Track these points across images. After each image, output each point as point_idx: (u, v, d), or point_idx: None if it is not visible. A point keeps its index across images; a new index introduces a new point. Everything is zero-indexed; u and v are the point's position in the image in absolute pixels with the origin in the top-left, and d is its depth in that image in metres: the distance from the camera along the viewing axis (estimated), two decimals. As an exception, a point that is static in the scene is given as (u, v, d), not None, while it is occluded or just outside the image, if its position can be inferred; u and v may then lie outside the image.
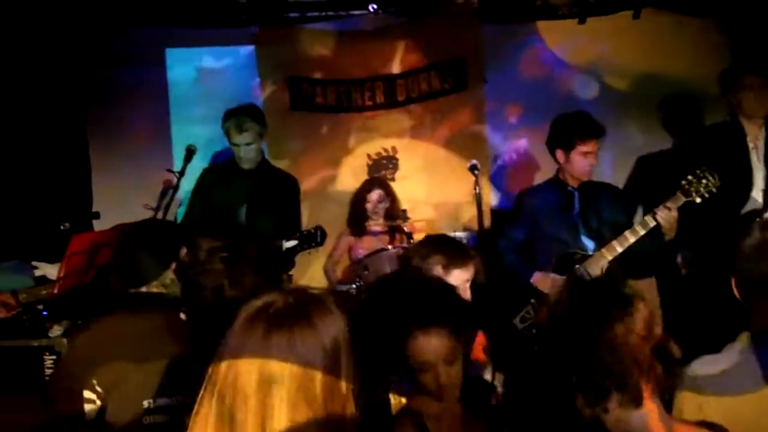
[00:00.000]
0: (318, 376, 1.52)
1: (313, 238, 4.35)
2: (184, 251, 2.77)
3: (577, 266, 4.25)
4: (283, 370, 1.50)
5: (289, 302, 1.58)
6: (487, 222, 5.54)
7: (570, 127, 4.40)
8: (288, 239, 4.26)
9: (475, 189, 4.84)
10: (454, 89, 6.49)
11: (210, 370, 1.56)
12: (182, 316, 2.51)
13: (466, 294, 3.11)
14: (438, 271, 3.07)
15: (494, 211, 6.28)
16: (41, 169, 5.96)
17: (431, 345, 2.24)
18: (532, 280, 4.36)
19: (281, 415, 1.48)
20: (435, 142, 6.54)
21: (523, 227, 4.58)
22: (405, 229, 5.50)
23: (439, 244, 3.24)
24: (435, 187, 6.49)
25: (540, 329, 2.13)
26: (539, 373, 1.93)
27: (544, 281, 4.31)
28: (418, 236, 5.67)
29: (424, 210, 6.25)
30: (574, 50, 6.45)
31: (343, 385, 1.56)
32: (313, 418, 1.50)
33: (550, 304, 1.93)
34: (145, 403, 1.99)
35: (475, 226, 5.21)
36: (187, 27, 6.30)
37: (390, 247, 5.33)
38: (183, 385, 1.96)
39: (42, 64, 5.90)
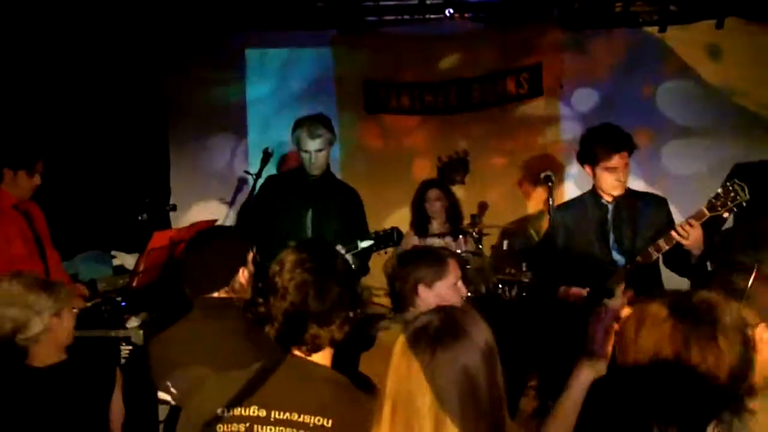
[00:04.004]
0: (482, 383, 1.67)
1: (390, 238, 4.31)
2: (251, 256, 2.83)
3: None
4: (450, 385, 1.65)
5: (443, 319, 1.73)
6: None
7: (593, 142, 4.08)
8: (363, 239, 4.25)
9: (547, 199, 4.77)
10: (530, 94, 6.47)
11: (381, 390, 1.72)
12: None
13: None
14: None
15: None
16: (121, 161, 6.15)
17: None
18: (558, 294, 4.18)
19: (454, 428, 1.63)
20: (508, 147, 6.52)
21: (556, 240, 4.42)
22: (474, 233, 5.49)
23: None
24: (507, 193, 6.48)
25: None
26: None
27: (566, 294, 4.21)
28: (487, 240, 5.69)
29: (494, 215, 6.23)
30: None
31: (500, 387, 1.71)
32: (483, 424, 1.66)
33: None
34: (219, 411, 2.00)
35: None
36: (267, 30, 6.41)
37: (458, 251, 5.31)
38: (259, 395, 2.00)
39: (126, 59, 6.09)
